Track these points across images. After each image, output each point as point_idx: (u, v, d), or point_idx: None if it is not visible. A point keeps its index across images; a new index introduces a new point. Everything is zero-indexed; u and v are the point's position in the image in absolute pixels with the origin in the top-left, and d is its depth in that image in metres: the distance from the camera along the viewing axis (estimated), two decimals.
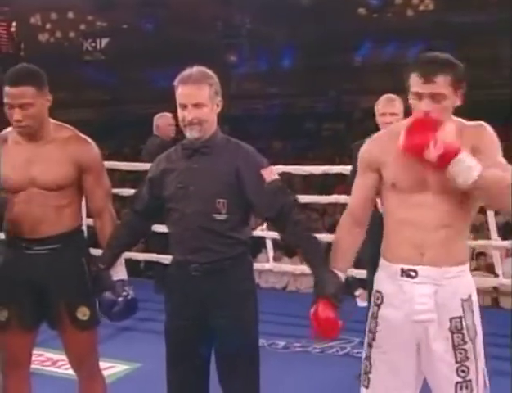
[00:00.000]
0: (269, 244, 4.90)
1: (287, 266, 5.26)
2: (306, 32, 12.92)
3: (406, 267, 2.05)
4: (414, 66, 2.00)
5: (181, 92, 2.28)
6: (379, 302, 2.12)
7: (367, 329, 2.15)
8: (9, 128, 2.46)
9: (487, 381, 2.10)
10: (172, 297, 2.39)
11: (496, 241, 4.31)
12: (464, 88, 2.03)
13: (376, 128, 3.48)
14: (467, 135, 2.02)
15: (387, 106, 3.43)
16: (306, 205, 6.27)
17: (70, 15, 15.87)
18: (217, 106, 2.33)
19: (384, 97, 3.48)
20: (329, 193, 5.24)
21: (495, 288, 4.85)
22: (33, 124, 2.35)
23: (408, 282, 2.05)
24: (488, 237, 4.42)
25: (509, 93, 10.03)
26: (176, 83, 2.30)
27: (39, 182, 2.38)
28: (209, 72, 2.32)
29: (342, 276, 2.15)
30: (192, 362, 2.34)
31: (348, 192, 3.76)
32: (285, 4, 13.34)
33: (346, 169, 4.46)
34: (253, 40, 13.94)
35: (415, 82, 1.99)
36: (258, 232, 4.63)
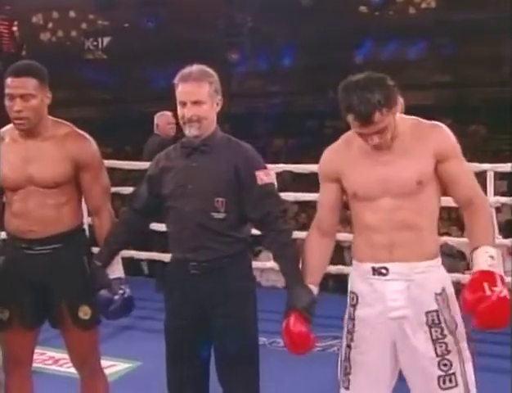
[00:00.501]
0: None
1: None
2: (307, 30, 12.89)
3: (376, 265, 2.08)
4: (348, 106, 1.98)
5: (181, 90, 2.29)
6: (354, 303, 2.15)
7: (345, 330, 2.17)
8: (5, 128, 2.47)
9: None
10: (172, 296, 2.39)
11: (497, 239, 4.30)
12: (398, 98, 2.06)
13: None
14: (426, 137, 2.05)
15: None
16: (307, 203, 6.27)
17: (72, 14, 15.86)
18: (217, 104, 2.33)
19: None
20: None
21: None
22: (32, 116, 2.35)
23: (380, 280, 2.08)
24: None
25: (510, 91, 10.02)
26: (176, 80, 2.31)
27: (37, 179, 2.37)
28: (209, 70, 2.33)
29: (314, 289, 2.16)
30: (192, 361, 2.35)
31: None
32: (286, 2, 13.32)
33: None
34: (254, 39, 13.93)
35: (354, 124, 2.00)
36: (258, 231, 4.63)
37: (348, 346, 2.15)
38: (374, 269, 2.08)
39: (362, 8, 12.83)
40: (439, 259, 2.12)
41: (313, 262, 2.19)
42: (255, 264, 4.79)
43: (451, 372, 2.04)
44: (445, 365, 2.04)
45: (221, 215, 2.28)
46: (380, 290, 2.08)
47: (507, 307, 1.91)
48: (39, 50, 14.74)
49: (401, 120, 2.09)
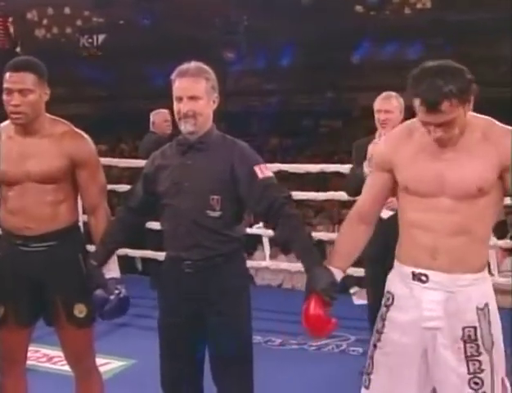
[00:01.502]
0: (266, 242, 4.90)
1: (284, 264, 5.26)
2: (303, 29, 12.89)
3: (417, 270, 1.99)
4: (416, 90, 1.87)
5: (178, 85, 2.29)
6: (388, 303, 2.07)
7: (375, 329, 2.11)
8: (2, 124, 2.46)
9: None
10: (166, 294, 2.39)
11: (491, 240, 4.31)
12: (474, 93, 1.90)
13: (374, 126, 3.48)
14: (496, 142, 1.91)
15: (382, 103, 3.42)
16: (302, 202, 6.27)
17: (67, 10, 15.80)
18: (214, 102, 2.33)
19: (383, 94, 3.48)
20: (325, 190, 5.23)
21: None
22: (29, 111, 2.34)
23: (419, 286, 1.99)
24: None
25: (508, 91, 10.03)
26: (173, 76, 2.31)
27: (33, 174, 2.37)
28: (207, 67, 2.33)
29: (337, 273, 2.07)
30: (186, 359, 2.34)
31: (345, 189, 3.79)
32: (282, 1, 13.31)
33: (343, 167, 4.46)
34: (251, 37, 13.91)
35: (420, 109, 1.89)
36: (254, 230, 4.64)
37: (374, 346, 2.09)
38: (414, 274, 2.00)
39: (358, 8, 12.83)
40: (486, 272, 2.02)
41: (344, 247, 2.11)
42: (250, 263, 4.81)
43: (481, 390, 1.96)
44: (476, 383, 1.96)
45: (216, 213, 2.27)
46: (418, 296, 1.99)
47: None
48: (34, 46, 14.68)
49: (473, 119, 1.95)
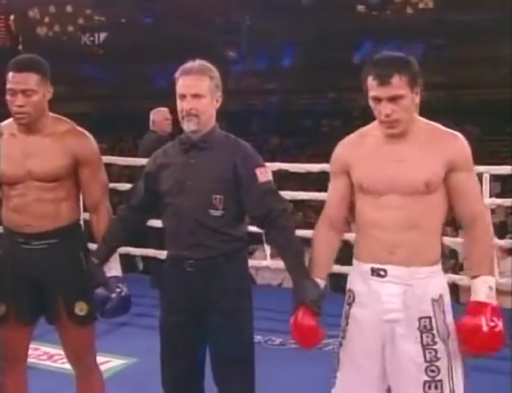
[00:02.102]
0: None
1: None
2: (305, 29, 12.90)
3: (376, 266, 2.07)
4: (369, 68, 2.02)
5: (182, 83, 2.29)
6: (350, 301, 2.15)
7: (340, 328, 2.17)
8: (4, 122, 2.45)
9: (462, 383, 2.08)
10: (167, 293, 2.39)
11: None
12: (421, 84, 2.04)
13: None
14: (441, 143, 2.05)
15: None
16: (303, 202, 6.27)
17: (69, 8, 15.82)
18: (217, 101, 2.33)
19: None
20: (326, 190, 5.21)
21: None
22: (33, 112, 2.34)
23: (377, 281, 2.07)
24: None
25: (509, 92, 10.04)
26: (177, 74, 2.31)
27: (36, 173, 2.37)
28: (211, 66, 2.33)
29: (322, 283, 2.16)
30: (187, 358, 2.34)
31: None
32: (284, 1, 13.32)
33: None
34: (252, 37, 13.92)
35: (372, 86, 2.01)
36: (255, 229, 4.63)
37: (340, 344, 2.16)
38: (372, 270, 2.08)
39: (360, 8, 12.83)
40: (440, 265, 2.11)
41: (321, 256, 2.19)
42: (251, 262, 4.79)
43: (438, 378, 2.03)
44: (432, 371, 2.03)
45: (218, 213, 2.27)
46: (377, 291, 2.07)
47: (498, 341, 1.97)
48: (35, 44, 14.70)
49: (420, 122, 2.10)
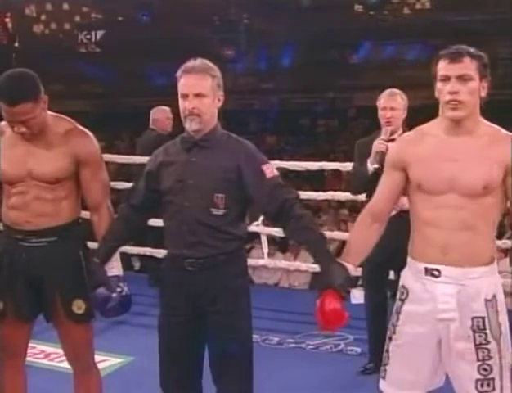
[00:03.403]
0: (264, 240, 4.89)
1: (282, 262, 5.26)
2: (302, 28, 12.88)
3: (429, 266, 2.09)
4: (441, 54, 2.07)
5: (184, 82, 2.28)
6: (403, 297, 2.17)
7: (390, 323, 2.20)
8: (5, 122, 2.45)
9: None
10: (167, 292, 2.38)
11: None
12: (489, 82, 2.08)
13: (370, 126, 3.47)
14: (501, 146, 2.06)
15: (388, 100, 3.41)
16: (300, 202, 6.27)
17: (65, 6, 15.76)
18: (219, 100, 2.33)
19: (387, 91, 3.47)
20: (322, 189, 5.22)
21: None
22: (34, 130, 2.34)
23: (431, 280, 2.09)
24: None
25: (508, 93, 10.04)
26: (178, 73, 2.30)
27: (36, 174, 2.36)
28: (212, 65, 2.32)
29: (351, 269, 2.16)
30: (185, 358, 2.33)
31: (345, 189, 3.79)
32: (282, 0, 13.31)
33: (343, 165, 4.46)
34: (250, 36, 13.90)
35: (442, 66, 2.05)
36: (252, 228, 4.63)
37: (390, 338, 2.18)
38: (426, 270, 2.10)
39: (358, 7, 12.82)
40: (494, 265, 2.12)
41: (357, 244, 2.20)
42: (248, 261, 4.80)
43: (490, 376, 2.06)
44: (485, 370, 2.06)
45: (220, 211, 2.27)
46: (431, 290, 2.09)
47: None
48: (32, 42, 14.66)
49: (483, 123, 2.11)
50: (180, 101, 2.30)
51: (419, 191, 2.12)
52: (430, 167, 2.09)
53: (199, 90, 2.26)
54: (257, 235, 4.96)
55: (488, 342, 2.06)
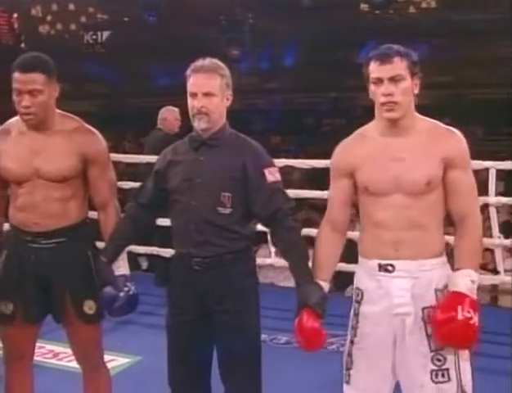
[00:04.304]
0: (270, 239, 4.88)
1: None
2: (308, 28, 12.88)
3: (383, 262, 2.10)
4: (370, 56, 2.08)
5: (193, 81, 2.29)
6: (359, 299, 2.17)
7: (350, 326, 2.19)
8: (12, 119, 2.45)
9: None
10: (174, 292, 2.39)
11: (498, 239, 4.30)
12: (420, 77, 2.09)
13: None
14: (439, 140, 2.08)
15: None
16: (305, 201, 6.26)
17: (71, 7, 15.80)
18: (228, 99, 2.33)
19: None
20: (326, 188, 5.18)
21: (493, 286, 4.86)
22: (40, 111, 2.33)
23: (386, 276, 2.10)
24: (490, 235, 4.40)
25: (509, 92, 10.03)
26: (188, 72, 2.31)
27: (43, 173, 2.36)
28: (222, 64, 2.33)
29: (325, 286, 2.17)
30: (193, 357, 2.33)
31: None
32: (287, 0, 13.32)
33: None
34: (255, 35, 13.91)
35: (373, 68, 2.07)
36: (260, 227, 4.63)
37: (351, 342, 2.17)
38: (380, 266, 2.10)
39: (363, 6, 12.81)
40: (445, 257, 2.14)
41: (324, 258, 2.21)
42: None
43: (444, 367, 2.05)
44: (438, 360, 2.06)
45: (227, 210, 2.27)
46: (386, 286, 2.09)
47: (472, 334, 1.99)
48: (38, 43, 14.69)
49: (421, 120, 2.13)
50: (189, 99, 2.30)
51: (366, 194, 2.13)
52: (375, 169, 2.09)
53: (208, 89, 2.26)
54: (265, 236, 4.95)
55: None
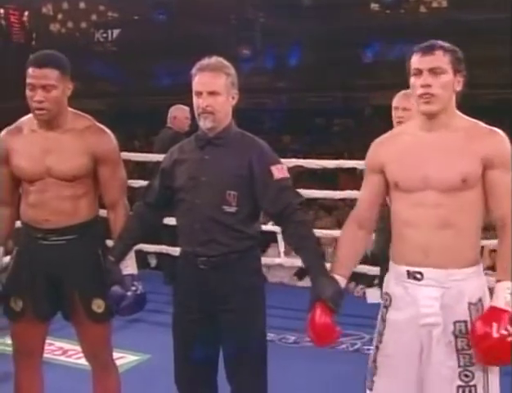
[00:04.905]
0: (280, 239, 4.88)
1: (298, 261, 5.23)
2: (319, 27, 12.86)
3: (411, 269, 2.03)
4: (415, 49, 2.04)
5: (198, 80, 2.29)
6: (387, 304, 2.11)
7: (376, 331, 2.13)
8: (24, 118, 2.46)
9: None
10: (180, 290, 2.39)
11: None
12: (464, 75, 2.03)
13: (385, 125, 3.45)
14: (479, 139, 2.01)
15: (400, 100, 3.38)
16: (315, 201, 6.26)
17: (82, 5, 15.85)
18: (233, 98, 2.33)
19: (401, 92, 3.45)
20: (334, 188, 5.18)
21: None
22: (53, 107, 2.34)
23: (414, 284, 2.02)
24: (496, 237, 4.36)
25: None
26: (193, 71, 2.31)
27: (55, 171, 2.37)
28: (227, 63, 2.32)
29: (342, 281, 2.12)
30: (200, 356, 2.34)
31: (358, 188, 3.78)
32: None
33: (360, 163, 4.44)
34: (265, 34, 13.89)
35: (414, 60, 2.01)
36: (269, 227, 4.63)
37: (377, 347, 2.12)
38: (409, 273, 2.03)
39: (374, 6, 12.77)
40: (480, 266, 2.05)
41: (345, 255, 2.16)
42: (264, 260, 4.80)
43: (472, 383, 1.99)
44: (466, 376, 1.99)
45: (232, 209, 2.26)
46: (414, 294, 2.03)
47: (507, 351, 1.91)
48: (49, 41, 14.75)
49: (461, 118, 2.07)
50: (194, 98, 2.30)
51: (396, 191, 2.07)
52: (405, 164, 2.04)
53: (213, 88, 2.26)
54: (273, 236, 4.96)
55: (470, 347, 1.98)
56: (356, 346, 3.89)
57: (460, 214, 1.99)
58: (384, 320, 2.10)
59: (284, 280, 5.84)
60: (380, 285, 3.64)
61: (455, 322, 1.99)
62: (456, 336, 1.99)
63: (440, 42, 2.03)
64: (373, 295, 4.43)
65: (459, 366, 1.99)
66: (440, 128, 2.03)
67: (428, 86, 1.98)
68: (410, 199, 2.03)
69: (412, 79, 2.02)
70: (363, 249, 2.20)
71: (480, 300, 2.01)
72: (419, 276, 2.02)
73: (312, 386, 3.40)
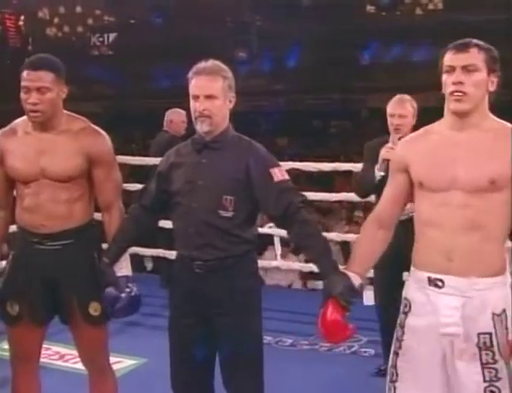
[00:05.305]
0: (277, 242, 4.89)
1: (295, 264, 5.24)
2: (315, 29, 12.87)
3: (433, 276, 1.96)
4: (449, 46, 1.97)
5: (195, 84, 2.28)
6: (406, 310, 2.05)
7: (395, 337, 2.08)
8: (18, 120, 2.46)
9: None
10: (176, 294, 2.38)
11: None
12: (498, 76, 1.97)
13: (382, 127, 3.45)
14: (508, 141, 1.92)
15: (396, 107, 3.35)
16: (311, 203, 6.26)
17: (78, 9, 15.86)
18: (230, 101, 2.32)
19: (396, 97, 3.41)
20: (331, 190, 5.18)
21: None
22: (47, 109, 2.34)
23: (435, 291, 1.96)
24: None
25: None
26: (190, 74, 2.30)
27: (49, 172, 2.37)
28: (224, 66, 2.31)
29: (355, 278, 2.05)
30: (196, 360, 2.33)
31: (353, 191, 3.76)
32: (294, 1, 13.31)
33: (356, 166, 4.44)
34: (262, 37, 13.91)
35: (448, 57, 1.95)
36: (265, 230, 4.64)
37: (396, 353, 2.06)
38: (430, 280, 1.97)
39: (370, 8, 12.79)
40: (506, 276, 1.96)
41: (362, 253, 2.10)
42: (261, 263, 4.80)
43: None
44: (492, 392, 1.92)
45: (228, 214, 2.25)
46: (434, 302, 1.96)
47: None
48: (45, 45, 14.74)
49: (492, 120, 1.99)
50: (191, 102, 2.29)
51: (421, 190, 2.00)
52: (431, 163, 1.97)
53: (210, 92, 2.25)
54: (270, 239, 4.96)
55: (496, 361, 1.91)
56: (353, 349, 3.88)
57: (488, 216, 1.91)
58: (402, 326, 2.05)
59: (281, 283, 5.85)
60: (374, 288, 3.64)
61: (479, 334, 1.92)
62: (481, 349, 1.92)
63: (475, 41, 1.95)
64: (369, 298, 4.43)
65: (484, 380, 1.92)
66: (470, 128, 1.95)
67: (460, 83, 1.90)
68: (435, 199, 1.96)
69: (444, 77, 1.94)
70: (382, 249, 2.12)
71: (504, 311, 1.93)
72: (440, 283, 1.95)
73: (309, 388, 3.39)
